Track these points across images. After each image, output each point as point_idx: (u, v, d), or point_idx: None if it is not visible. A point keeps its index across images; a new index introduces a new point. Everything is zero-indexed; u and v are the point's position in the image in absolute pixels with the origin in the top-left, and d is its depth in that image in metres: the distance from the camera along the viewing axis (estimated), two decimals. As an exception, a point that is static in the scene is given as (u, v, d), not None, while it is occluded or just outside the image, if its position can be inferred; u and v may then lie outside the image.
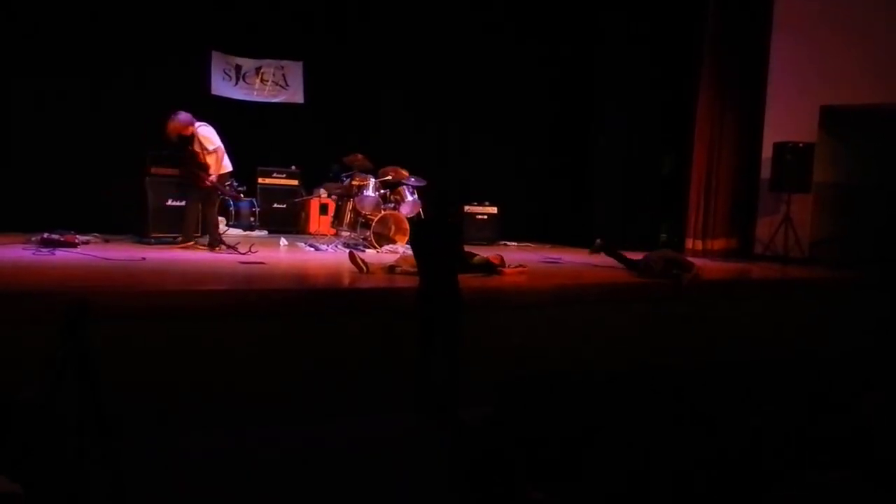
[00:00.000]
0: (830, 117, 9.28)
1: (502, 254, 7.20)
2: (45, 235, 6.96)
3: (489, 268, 6.56)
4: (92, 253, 6.59)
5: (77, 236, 7.15)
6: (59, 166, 8.28)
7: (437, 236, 4.82)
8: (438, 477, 3.51)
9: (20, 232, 7.39)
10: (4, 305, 4.21)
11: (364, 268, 6.38)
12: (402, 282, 5.88)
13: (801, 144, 8.98)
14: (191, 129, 7.49)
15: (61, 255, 6.42)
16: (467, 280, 6.21)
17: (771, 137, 9.39)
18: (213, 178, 7.53)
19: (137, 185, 7.98)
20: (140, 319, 4.45)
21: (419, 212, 8.82)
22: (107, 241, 7.71)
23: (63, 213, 7.79)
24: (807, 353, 6.75)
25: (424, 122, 11.07)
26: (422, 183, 9.15)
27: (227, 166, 7.72)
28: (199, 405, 4.41)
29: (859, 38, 8.94)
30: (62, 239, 6.96)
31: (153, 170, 8.04)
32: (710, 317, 6.74)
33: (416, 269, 5.32)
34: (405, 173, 9.16)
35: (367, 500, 3.65)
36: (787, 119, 9.38)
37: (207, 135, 7.52)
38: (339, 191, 9.46)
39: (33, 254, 6.35)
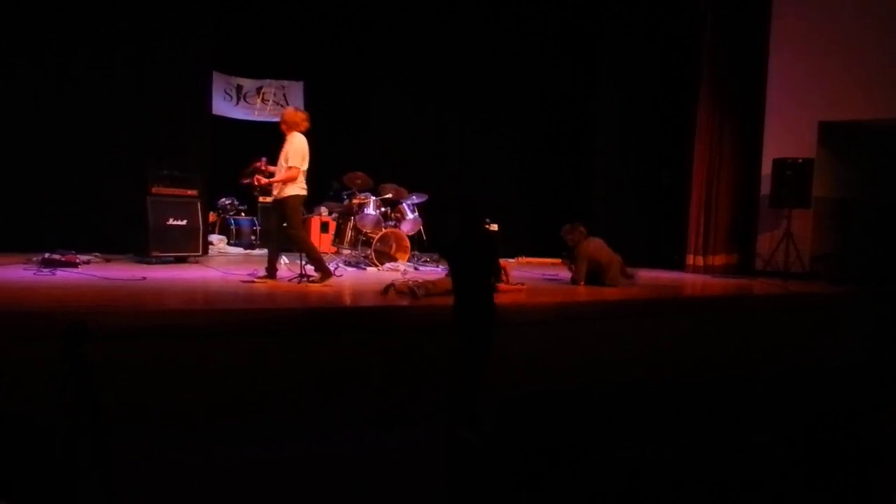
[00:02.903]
0: (829, 133, 9.31)
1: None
2: (47, 256, 6.98)
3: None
4: (93, 273, 6.61)
5: (78, 256, 7.17)
6: (60, 187, 8.29)
7: (472, 250, 4.66)
8: (440, 493, 3.50)
9: (21, 252, 7.41)
10: (6, 326, 4.21)
11: (416, 293, 5.91)
12: (396, 300, 5.87)
13: (800, 160, 9.00)
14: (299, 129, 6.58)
15: (62, 275, 6.44)
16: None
17: (770, 153, 9.41)
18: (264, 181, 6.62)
19: (139, 204, 7.99)
20: (141, 339, 4.45)
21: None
22: (108, 260, 7.73)
23: (64, 232, 7.81)
24: (808, 367, 6.73)
25: (426, 141, 11.13)
26: (422, 199, 9.17)
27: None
28: (203, 423, 4.40)
29: (857, 54, 8.99)
30: (63, 259, 6.98)
31: (154, 189, 8.05)
32: (712, 332, 6.73)
33: (438, 290, 5.65)
34: (405, 191, 9.19)
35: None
36: (786, 135, 9.41)
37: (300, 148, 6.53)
38: (339, 209, 9.49)
39: (34, 274, 6.38)
